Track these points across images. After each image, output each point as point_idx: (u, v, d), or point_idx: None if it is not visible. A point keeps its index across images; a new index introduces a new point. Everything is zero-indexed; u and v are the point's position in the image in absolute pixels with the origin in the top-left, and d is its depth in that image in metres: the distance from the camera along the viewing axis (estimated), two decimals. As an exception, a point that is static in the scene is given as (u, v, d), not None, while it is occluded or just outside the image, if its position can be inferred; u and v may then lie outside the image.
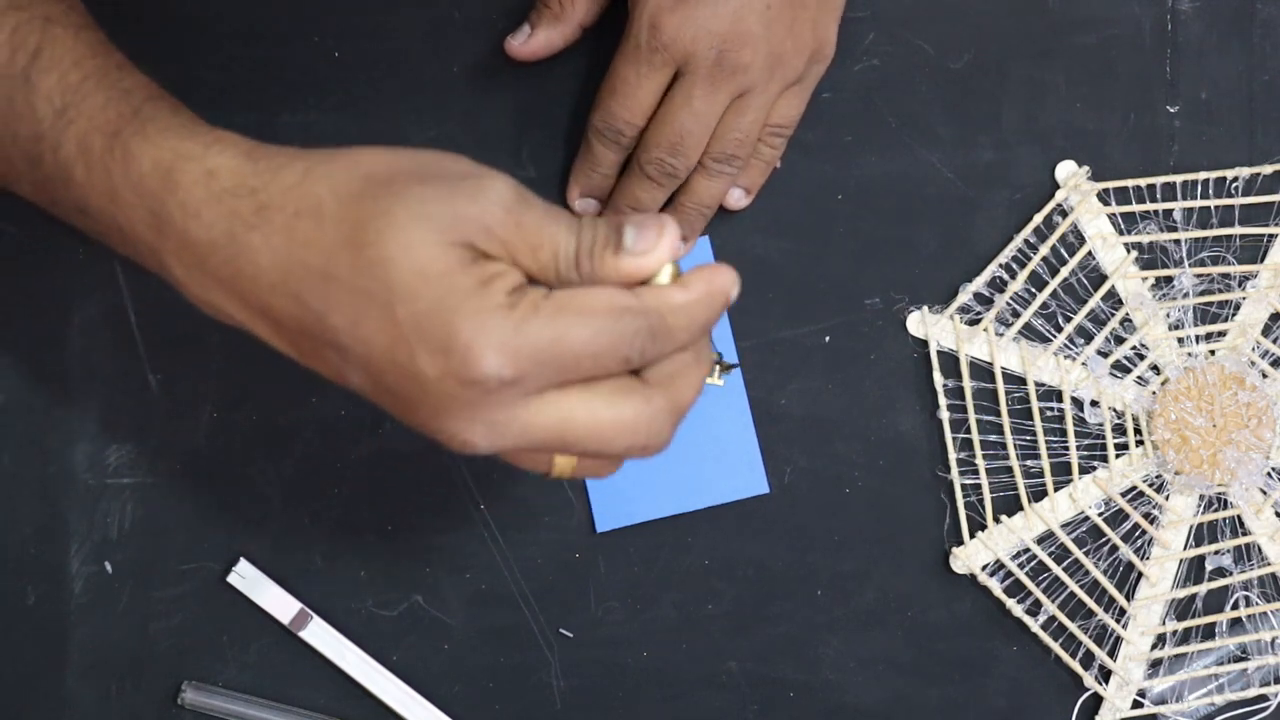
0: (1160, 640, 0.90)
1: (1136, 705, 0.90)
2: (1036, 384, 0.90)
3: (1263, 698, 0.90)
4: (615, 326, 0.66)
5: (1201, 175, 0.90)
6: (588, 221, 0.68)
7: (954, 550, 0.90)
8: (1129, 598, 0.90)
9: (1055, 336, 0.90)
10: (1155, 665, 0.90)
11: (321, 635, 0.89)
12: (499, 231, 0.66)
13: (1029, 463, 0.90)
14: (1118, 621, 0.90)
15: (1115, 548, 0.90)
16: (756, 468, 0.90)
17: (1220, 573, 0.90)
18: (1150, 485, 0.90)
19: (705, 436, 0.90)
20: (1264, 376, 0.89)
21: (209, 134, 0.70)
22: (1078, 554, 0.90)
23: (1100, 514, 0.90)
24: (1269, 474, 0.89)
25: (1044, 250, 0.90)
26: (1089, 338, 0.90)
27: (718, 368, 0.89)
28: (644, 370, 0.69)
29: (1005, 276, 0.90)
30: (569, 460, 0.70)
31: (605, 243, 0.68)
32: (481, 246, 0.66)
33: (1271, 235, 0.90)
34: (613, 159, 0.87)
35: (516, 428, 0.67)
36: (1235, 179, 0.90)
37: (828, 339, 0.91)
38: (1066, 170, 0.90)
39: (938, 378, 0.90)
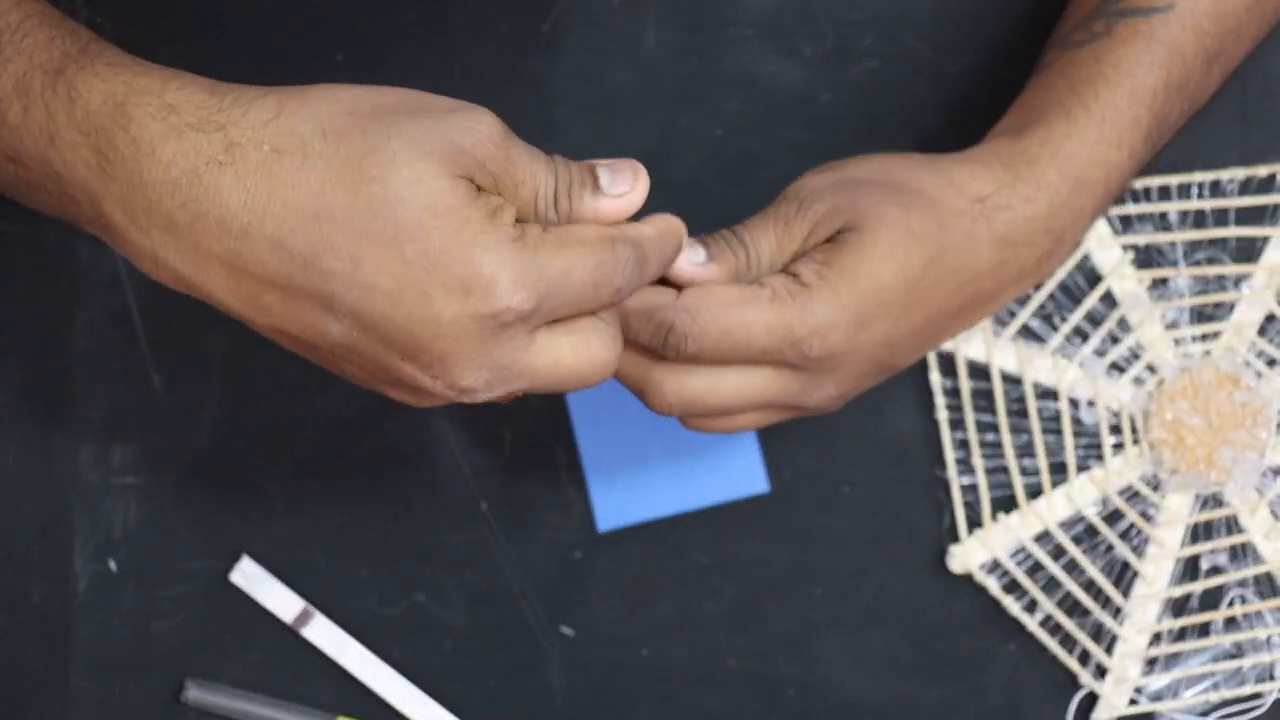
0: (1156, 638, 0.90)
1: (1133, 702, 0.90)
2: (1033, 384, 0.91)
3: (1257, 695, 0.90)
4: (612, 256, 0.66)
5: (1196, 177, 0.91)
6: (560, 161, 0.68)
7: (951, 549, 0.90)
8: (1125, 596, 0.90)
9: (1052, 337, 0.91)
10: (1151, 663, 0.90)
11: (324, 633, 0.90)
12: (490, 165, 0.65)
13: (1026, 462, 0.91)
14: (1114, 619, 0.90)
15: (1111, 546, 0.90)
16: (756, 466, 0.90)
17: (1216, 571, 0.90)
18: (1146, 484, 0.90)
19: (705, 436, 0.90)
20: (1259, 376, 0.90)
21: (165, 70, 0.66)
22: (1074, 552, 0.90)
23: (1097, 513, 0.90)
24: (1264, 473, 0.90)
25: (1041, 251, 0.91)
26: (1085, 338, 0.91)
27: None
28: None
29: (1002, 277, 0.91)
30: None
31: (582, 183, 0.68)
32: (476, 180, 0.65)
33: (1266, 236, 0.91)
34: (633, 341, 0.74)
35: (518, 370, 0.65)
36: (1230, 180, 0.91)
37: (826, 339, 0.91)
38: (1063, 172, 0.91)
39: (935, 378, 0.91)
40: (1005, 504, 0.91)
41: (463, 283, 0.63)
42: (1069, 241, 0.79)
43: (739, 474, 0.90)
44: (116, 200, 0.64)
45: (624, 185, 0.68)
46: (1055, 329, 0.91)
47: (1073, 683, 0.91)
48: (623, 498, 0.90)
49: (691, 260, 0.74)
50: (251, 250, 0.63)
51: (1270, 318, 0.90)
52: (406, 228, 0.62)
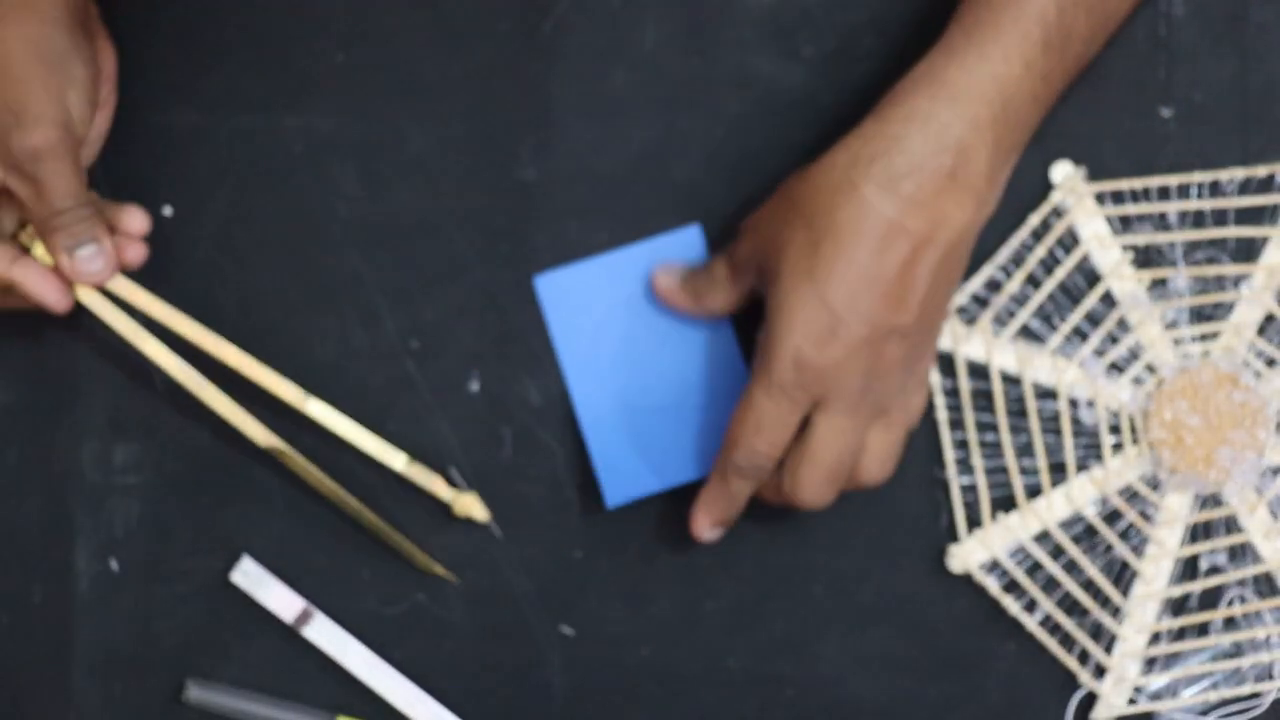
0: (1155, 638, 0.90)
1: (1132, 702, 0.90)
2: (1033, 384, 0.91)
3: (1256, 694, 0.90)
4: None
5: (1196, 177, 0.91)
6: (80, 213, 0.84)
7: (951, 548, 0.91)
8: (1124, 595, 0.90)
9: (1051, 337, 0.91)
10: (1150, 662, 0.90)
11: (324, 633, 0.90)
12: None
13: (1025, 462, 0.91)
14: (1113, 619, 0.90)
15: (1111, 546, 0.90)
16: None
17: (1215, 571, 0.90)
18: (1146, 484, 0.90)
19: (707, 399, 0.90)
20: (1258, 376, 0.90)
21: None
22: (1073, 552, 0.90)
23: (1096, 512, 0.90)
24: (1263, 473, 0.90)
25: (1040, 251, 0.91)
26: (1085, 338, 0.91)
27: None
28: None
29: (1002, 277, 0.91)
30: None
31: (65, 241, 0.85)
32: None
33: (1265, 236, 0.91)
34: (749, 492, 0.86)
35: None
36: (1229, 181, 0.91)
37: (826, 339, 0.91)
38: (1063, 171, 0.91)
39: (934, 377, 0.91)
40: (1005, 504, 0.91)
41: None
42: (982, 149, 0.82)
43: None
44: None
45: (92, 270, 0.84)
46: (1055, 329, 0.91)
47: (1072, 682, 0.91)
48: (629, 471, 0.90)
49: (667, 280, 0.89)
50: None
51: (1269, 318, 0.91)
52: None
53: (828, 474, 0.84)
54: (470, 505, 0.89)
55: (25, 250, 0.85)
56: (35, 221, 0.84)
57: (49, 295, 0.85)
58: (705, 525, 0.87)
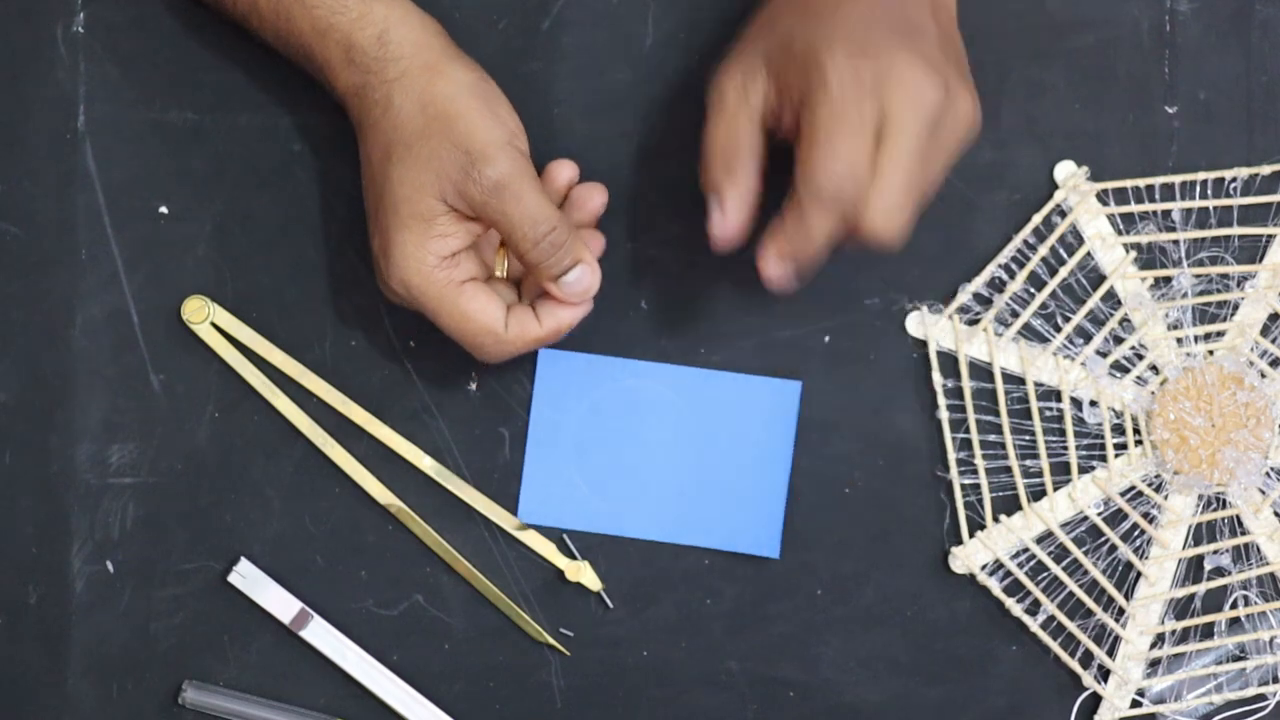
0: (1159, 639, 0.90)
1: (1135, 704, 0.90)
2: (1035, 384, 0.90)
3: (1261, 697, 0.90)
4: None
5: (1200, 176, 0.90)
6: (555, 238, 0.83)
7: (953, 550, 0.90)
8: (1128, 597, 0.90)
9: (1054, 337, 0.90)
10: (1154, 664, 0.90)
11: (322, 635, 0.90)
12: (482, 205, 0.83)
13: (1028, 462, 0.91)
14: (1117, 621, 0.90)
15: (1114, 547, 0.90)
16: (774, 526, 0.90)
17: (1219, 572, 0.90)
18: (1149, 485, 0.90)
19: (657, 476, 0.91)
20: (1262, 376, 0.90)
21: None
22: (1077, 554, 0.90)
23: (1099, 514, 0.90)
24: (1267, 474, 0.90)
25: (1043, 250, 0.90)
26: (1088, 338, 0.90)
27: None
28: None
29: (1004, 277, 0.91)
30: None
31: (550, 270, 0.83)
32: (456, 207, 0.83)
33: (1270, 235, 0.90)
34: (827, 229, 0.81)
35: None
36: (1234, 179, 0.90)
37: (827, 339, 0.91)
38: (1065, 170, 0.91)
39: (937, 378, 0.91)
40: (1007, 505, 0.91)
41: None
42: None
43: (753, 528, 0.90)
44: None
45: (576, 290, 0.84)
46: (1058, 329, 0.90)
47: (1075, 684, 0.90)
48: (550, 500, 0.90)
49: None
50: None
51: (1274, 317, 0.90)
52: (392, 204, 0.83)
53: (908, 195, 0.81)
54: (582, 573, 0.90)
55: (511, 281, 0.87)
56: (517, 254, 0.84)
57: (579, 316, 0.85)
58: (773, 258, 0.82)
